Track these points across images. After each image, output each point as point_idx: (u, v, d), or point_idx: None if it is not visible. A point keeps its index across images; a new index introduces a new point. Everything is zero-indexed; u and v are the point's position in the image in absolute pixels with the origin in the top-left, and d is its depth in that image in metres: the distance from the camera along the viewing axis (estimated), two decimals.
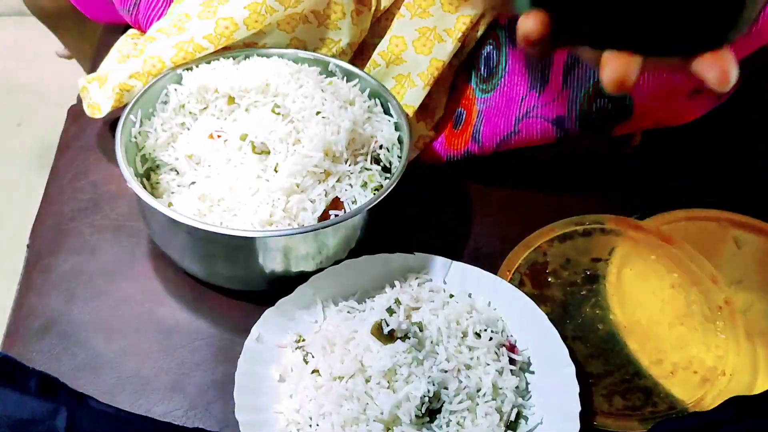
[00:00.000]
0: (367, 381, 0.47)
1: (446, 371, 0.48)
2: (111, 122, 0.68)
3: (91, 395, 0.44)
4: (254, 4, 0.61)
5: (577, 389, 0.48)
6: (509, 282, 0.56)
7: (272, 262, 0.53)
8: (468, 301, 0.54)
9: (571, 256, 0.59)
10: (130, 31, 0.67)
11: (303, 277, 0.54)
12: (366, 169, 0.57)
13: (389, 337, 0.48)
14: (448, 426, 0.47)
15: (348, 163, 0.56)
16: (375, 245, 0.56)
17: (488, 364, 0.49)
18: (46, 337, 0.53)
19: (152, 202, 0.51)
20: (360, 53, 0.68)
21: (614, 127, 0.61)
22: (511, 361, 0.50)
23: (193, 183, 0.57)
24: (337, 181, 0.55)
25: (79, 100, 0.67)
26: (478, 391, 0.48)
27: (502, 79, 0.63)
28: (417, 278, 0.56)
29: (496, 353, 0.50)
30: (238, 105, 0.60)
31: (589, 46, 0.36)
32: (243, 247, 0.52)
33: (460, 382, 0.47)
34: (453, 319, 0.51)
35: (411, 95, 0.63)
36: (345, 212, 0.54)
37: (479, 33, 0.64)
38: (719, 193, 0.66)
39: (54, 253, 0.60)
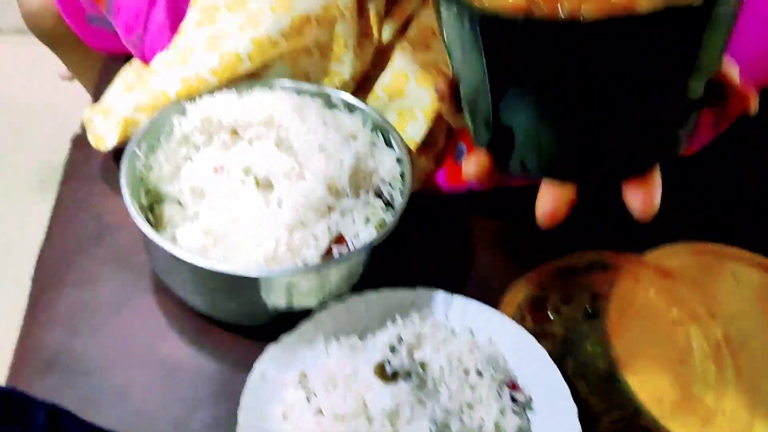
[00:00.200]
0: (370, 421, 0.47)
1: (449, 411, 0.48)
2: (115, 151, 0.68)
3: None
4: (259, 38, 0.61)
5: (579, 431, 0.49)
6: (511, 317, 0.57)
7: (275, 299, 0.53)
8: (470, 337, 0.54)
9: (572, 292, 0.60)
10: (134, 61, 0.67)
11: (306, 312, 0.54)
12: (369, 203, 0.57)
13: (392, 377, 0.48)
14: None
15: (351, 197, 0.56)
16: (377, 279, 0.57)
17: (490, 404, 0.49)
18: (50, 372, 0.54)
19: (157, 239, 0.52)
20: (362, 84, 0.68)
21: None
22: (513, 399, 0.51)
23: (197, 216, 0.57)
24: (340, 216, 0.55)
25: (83, 128, 0.67)
26: (480, 430, 0.48)
27: None
28: (419, 313, 0.56)
29: (498, 392, 0.50)
30: (241, 138, 0.60)
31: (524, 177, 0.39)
32: (246, 285, 0.52)
33: (463, 422, 0.48)
34: (455, 356, 0.51)
35: (413, 129, 0.64)
36: (348, 249, 0.54)
37: None
38: (718, 226, 0.66)
39: (57, 286, 0.60)
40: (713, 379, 0.54)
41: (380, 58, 0.69)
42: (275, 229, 0.53)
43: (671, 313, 0.58)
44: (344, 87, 0.66)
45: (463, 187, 0.65)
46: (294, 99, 0.62)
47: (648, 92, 0.35)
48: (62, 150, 0.73)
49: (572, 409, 0.50)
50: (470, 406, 0.49)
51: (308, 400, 0.50)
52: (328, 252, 0.54)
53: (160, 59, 0.62)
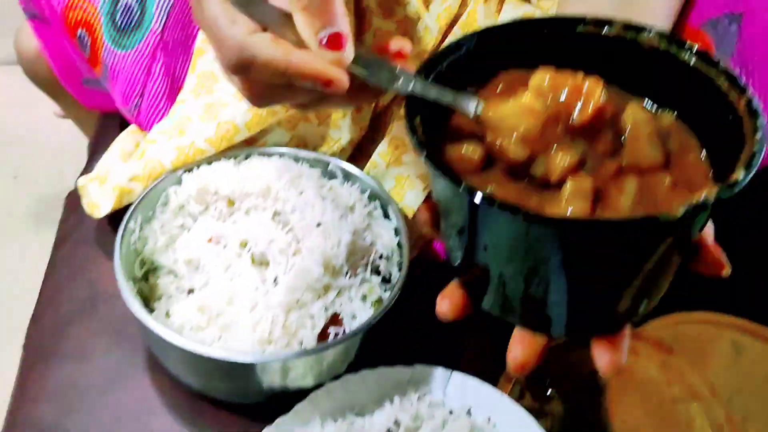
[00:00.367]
0: None
1: None
2: (110, 214, 0.68)
3: None
4: (256, 107, 0.61)
5: None
6: (509, 394, 0.56)
7: (271, 381, 0.52)
8: (468, 419, 0.53)
9: (572, 368, 0.59)
10: (132, 127, 0.67)
11: (302, 392, 0.53)
12: (366, 280, 0.56)
13: None
14: None
15: (348, 275, 0.56)
16: (374, 355, 0.56)
17: None
18: None
19: (151, 324, 0.51)
20: (360, 148, 0.68)
21: None
22: None
23: (192, 289, 0.57)
24: (337, 295, 0.55)
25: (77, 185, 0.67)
26: None
27: None
28: (416, 391, 0.55)
29: None
30: (238, 208, 0.60)
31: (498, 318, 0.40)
32: (241, 369, 0.51)
33: None
34: None
35: (411, 197, 0.63)
36: (345, 330, 0.53)
37: None
38: (716, 295, 0.66)
39: (49, 358, 0.59)
40: None
41: (378, 121, 0.68)
42: (271, 310, 0.53)
43: (672, 390, 0.58)
44: (342, 152, 0.65)
45: None
46: (291, 169, 0.61)
47: (621, 282, 0.36)
48: (59, 184, 0.72)
49: None
50: None
51: None
52: (324, 332, 0.53)
53: (157, 129, 0.61)
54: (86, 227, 0.69)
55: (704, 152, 0.39)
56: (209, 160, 0.62)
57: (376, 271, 0.57)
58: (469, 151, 0.39)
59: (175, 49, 0.62)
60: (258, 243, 0.56)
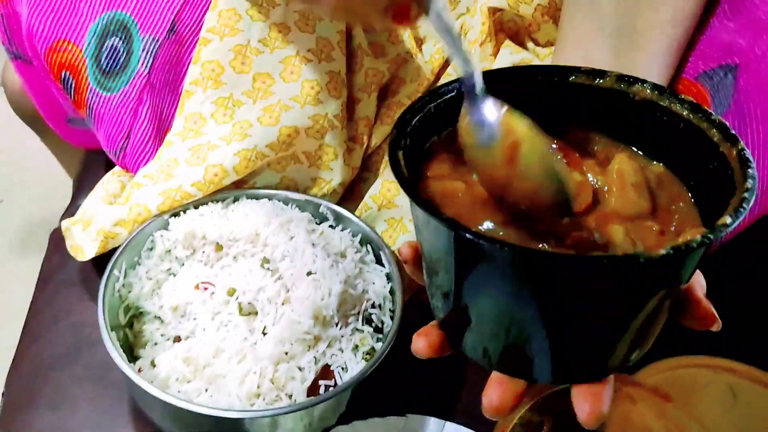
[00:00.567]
0: None
1: None
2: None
3: None
4: (245, 151, 0.60)
5: None
6: None
7: None
8: None
9: (569, 417, 0.58)
10: (117, 169, 0.65)
11: None
12: (357, 330, 0.55)
13: None
14: None
15: (339, 326, 0.54)
16: (366, 406, 0.54)
17: None
18: None
19: (136, 379, 0.50)
20: (351, 188, 0.67)
21: None
22: None
23: (178, 337, 0.55)
24: (327, 346, 0.53)
25: (61, 227, 0.65)
26: None
27: None
28: None
29: None
30: (226, 253, 0.58)
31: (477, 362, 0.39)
32: (228, 424, 0.50)
33: None
34: None
35: (403, 240, 0.62)
36: (335, 383, 0.52)
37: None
38: (710, 338, 0.65)
39: (31, 406, 0.58)
40: None
41: (370, 161, 0.67)
42: (259, 362, 0.51)
43: None
44: (333, 194, 0.64)
45: None
46: (281, 213, 0.60)
47: (607, 322, 0.35)
48: (47, 209, 0.70)
49: None
50: None
51: None
52: (315, 385, 0.52)
53: (143, 172, 0.60)
54: (70, 268, 0.67)
55: (694, 202, 0.39)
56: (196, 204, 0.60)
57: (367, 320, 0.56)
58: (452, 186, 0.38)
59: (162, 91, 0.61)
60: (246, 291, 0.54)
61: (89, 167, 0.74)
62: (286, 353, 0.52)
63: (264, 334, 0.53)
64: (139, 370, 0.53)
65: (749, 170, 0.35)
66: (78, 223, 0.61)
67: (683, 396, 0.59)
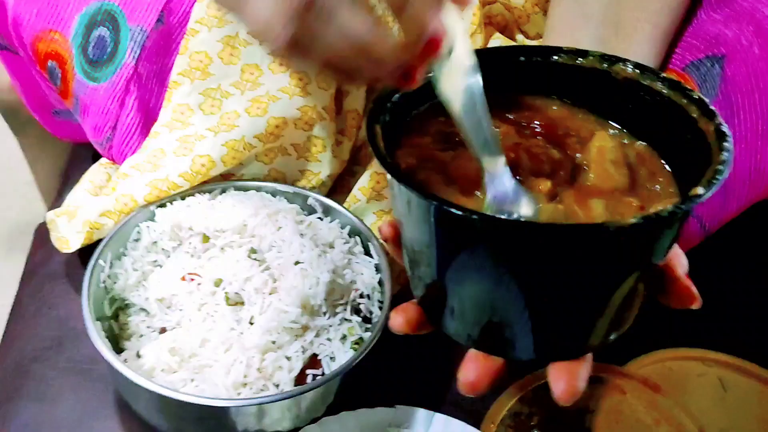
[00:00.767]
0: None
1: None
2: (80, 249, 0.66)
3: None
4: (233, 141, 0.59)
5: None
6: None
7: (245, 425, 0.50)
8: None
9: (557, 407, 0.57)
10: (103, 160, 0.65)
11: None
12: (345, 320, 0.55)
13: None
14: None
15: (327, 315, 0.54)
16: (354, 397, 0.54)
17: None
18: None
19: (121, 368, 0.49)
20: (340, 181, 0.66)
21: None
22: None
23: (164, 329, 0.54)
24: (315, 335, 0.53)
25: (46, 219, 0.64)
26: None
27: None
28: None
29: None
30: (213, 244, 0.58)
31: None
32: (215, 413, 0.49)
33: None
34: None
35: None
36: (323, 372, 0.51)
37: None
38: (701, 331, 0.65)
39: (14, 399, 0.57)
40: None
41: (359, 154, 0.67)
42: (245, 352, 0.51)
43: (660, 430, 0.56)
44: (321, 186, 0.64)
45: None
46: (269, 204, 0.59)
47: (584, 296, 0.35)
48: (31, 210, 0.69)
49: None
50: None
51: None
52: (302, 374, 0.51)
53: (129, 163, 0.59)
54: (55, 261, 0.66)
55: (675, 179, 0.40)
56: (183, 195, 0.60)
57: (356, 310, 0.56)
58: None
59: (150, 82, 0.60)
60: (233, 281, 0.54)
61: (77, 161, 0.74)
62: (274, 342, 0.51)
63: (251, 323, 0.53)
64: (125, 362, 0.52)
65: (725, 143, 0.36)
66: (63, 214, 0.61)
67: (673, 387, 0.59)
